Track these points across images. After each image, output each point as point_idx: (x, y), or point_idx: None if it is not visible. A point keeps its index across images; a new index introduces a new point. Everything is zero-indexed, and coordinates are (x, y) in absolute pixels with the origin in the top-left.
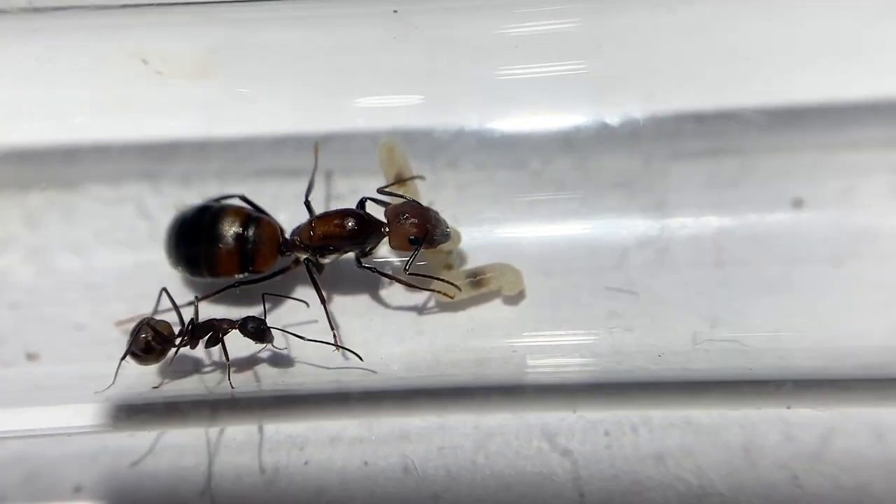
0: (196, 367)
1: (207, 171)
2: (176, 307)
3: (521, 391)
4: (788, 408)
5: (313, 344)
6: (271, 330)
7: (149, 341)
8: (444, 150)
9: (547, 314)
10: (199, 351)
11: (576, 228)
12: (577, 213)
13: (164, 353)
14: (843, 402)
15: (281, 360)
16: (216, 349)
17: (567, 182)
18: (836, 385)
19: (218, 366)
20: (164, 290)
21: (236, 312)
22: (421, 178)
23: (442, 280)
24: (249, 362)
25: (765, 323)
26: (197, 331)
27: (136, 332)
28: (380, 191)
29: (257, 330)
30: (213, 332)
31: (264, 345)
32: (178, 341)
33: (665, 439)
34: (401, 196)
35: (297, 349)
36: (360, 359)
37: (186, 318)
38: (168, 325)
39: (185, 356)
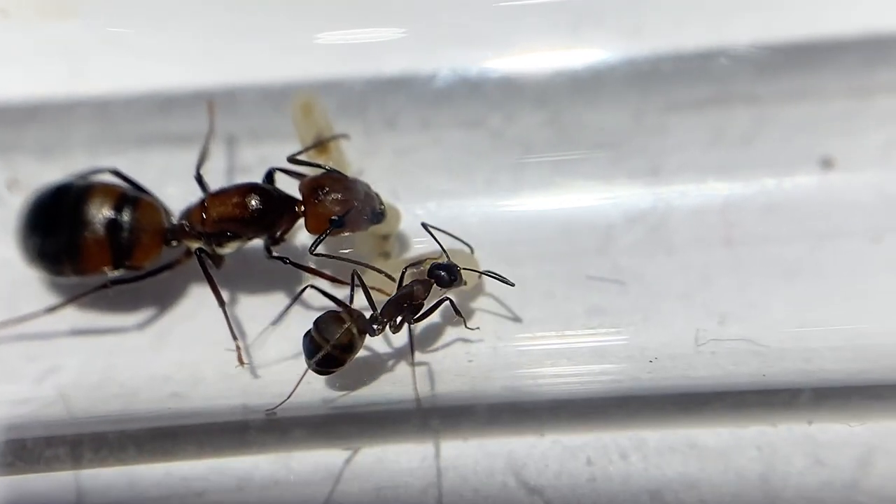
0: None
1: (72, 139)
2: (369, 297)
3: (478, 412)
4: (810, 423)
5: (212, 359)
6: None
7: (353, 335)
8: (379, 104)
9: (512, 313)
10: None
11: (548, 202)
12: (550, 182)
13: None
14: (884, 414)
15: (171, 381)
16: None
17: (536, 143)
18: (874, 393)
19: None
20: (355, 273)
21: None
22: (345, 136)
23: (376, 270)
24: (112, 383)
25: (785, 317)
26: (396, 306)
27: (323, 330)
28: (292, 159)
29: (451, 271)
30: (412, 299)
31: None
32: (376, 327)
33: (662, 468)
34: (320, 166)
35: (193, 366)
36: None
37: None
38: (358, 313)
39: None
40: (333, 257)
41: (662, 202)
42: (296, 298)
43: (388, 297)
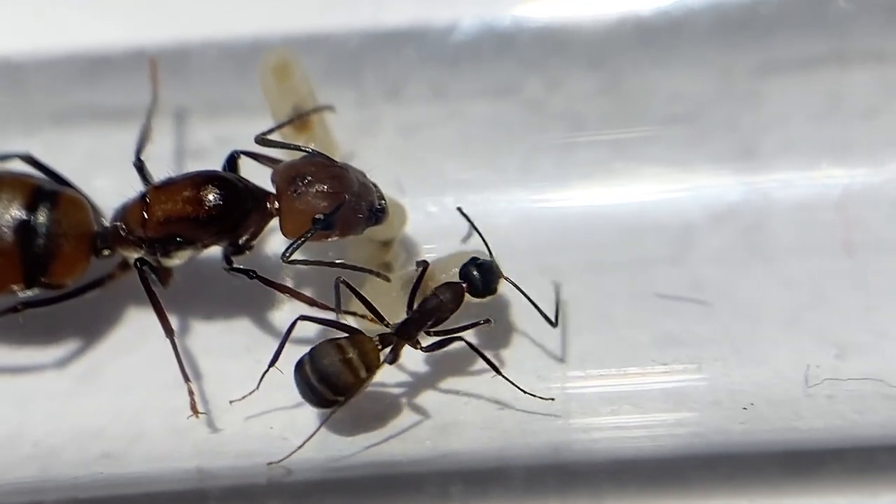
0: None
1: None
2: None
3: (513, 476)
4: None
5: (157, 407)
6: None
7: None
8: (378, 65)
9: (556, 343)
10: None
11: (604, 196)
12: (607, 168)
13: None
14: None
15: (102, 437)
16: None
17: (588, 117)
18: None
19: None
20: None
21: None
22: (330, 108)
23: (378, 276)
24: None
25: None
26: (418, 323)
27: (317, 362)
28: (262, 139)
29: (488, 273)
30: (441, 309)
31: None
32: (385, 355)
33: None
34: (300, 148)
35: (131, 416)
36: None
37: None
38: (359, 334)
39: None
40: (317, 264)
41: (758, 195)
42: (287, 335)
43: (383, 323)
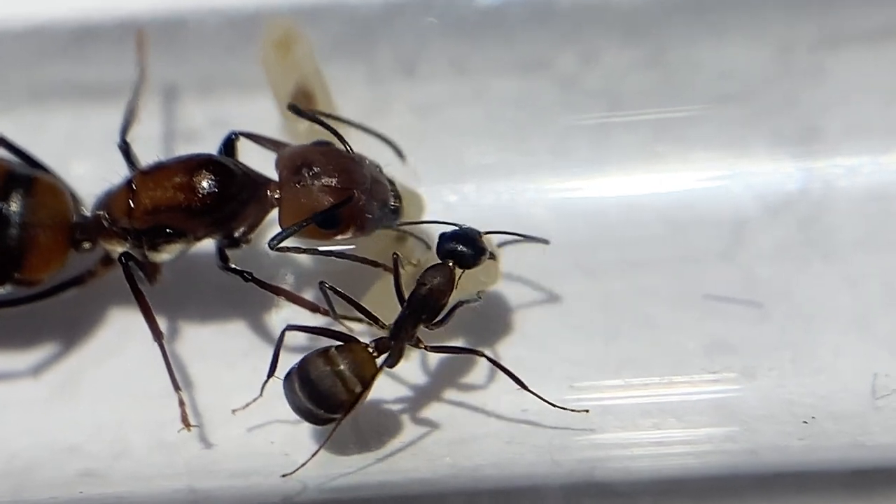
0: None
1: None
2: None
3: (545, 496)
4: None
5: (142, 420)
6: None
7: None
8: (392, 36)
9: (592, 347)
10: None
11: (646, 183)
12: (650, 153)
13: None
14: None
15: (82, 452)
16: None
17: (629, 95)
18: None
19: None
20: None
21: None
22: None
23: (385, 269)
24: None
25: None
26: (414, 318)
27: (306, 376)
28: (294, 107)
29: (469, 240)
30: (435, 298)
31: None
32: (385, 355)
33: None
34: (333, 130)
35: (114, 430)
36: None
37: None
38: (352, 341)
39: None
40: (308, 252)
41: (820, 183)
42: (279, 344)
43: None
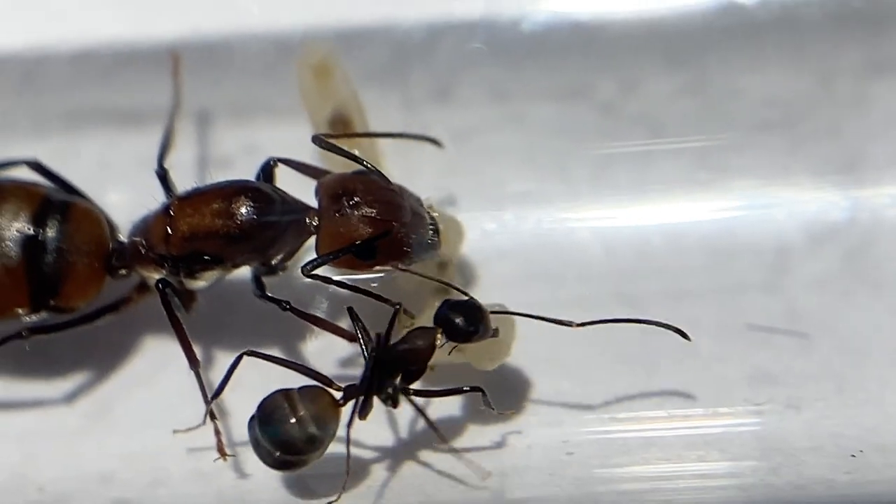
0: None
1: None
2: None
3: None
4: None
5: (177, 449)
6: None
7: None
8: (427, 61)
9: (634, 378)
10: None
11: (687, 211)
12: (691, 180)
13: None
14: None
15: (115, 481)
16: None
17: (670, 121)
18: None
19: None
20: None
21: None
22: (436, 144)
23: (396, 308)
24: None
25: None
26: (388, 364)
27: (265, 417)
28: (320, 140)
29: (472, 313)
30: (407, 360)
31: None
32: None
33: None
34: (356, 158)
35: (148, 459)
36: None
37: None
38: (316, 388)
39: None
40: (339, 285)
41: (866, 212)
42: (231, 372)
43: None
